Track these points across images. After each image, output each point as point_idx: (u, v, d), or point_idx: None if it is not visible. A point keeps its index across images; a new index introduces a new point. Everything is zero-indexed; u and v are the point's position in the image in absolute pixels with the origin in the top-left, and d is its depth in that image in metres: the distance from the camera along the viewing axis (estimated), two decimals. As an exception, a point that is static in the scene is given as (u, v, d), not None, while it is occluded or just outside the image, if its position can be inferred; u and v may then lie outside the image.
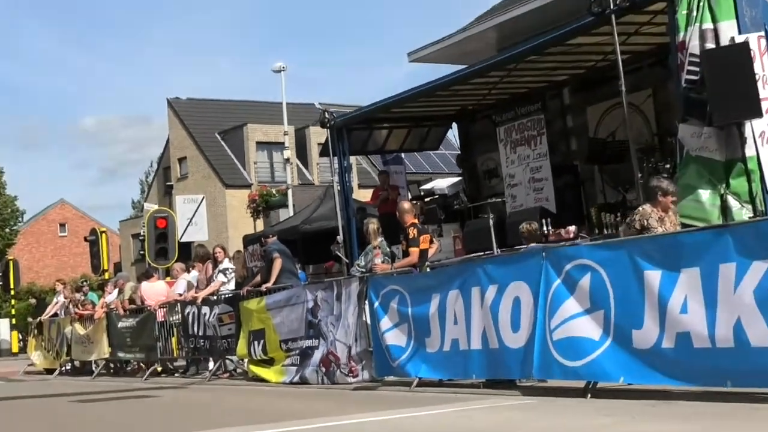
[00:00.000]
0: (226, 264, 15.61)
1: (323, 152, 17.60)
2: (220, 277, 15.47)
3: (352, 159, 34.83)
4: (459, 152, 19.61)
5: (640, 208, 9.02)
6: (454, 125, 18.79)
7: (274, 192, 39.49)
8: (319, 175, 44.69)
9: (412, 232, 11.25)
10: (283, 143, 35.19)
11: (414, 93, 14.64)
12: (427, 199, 19.21)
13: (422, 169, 43.12)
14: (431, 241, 11.72)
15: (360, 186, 40.67)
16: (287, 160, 34.20)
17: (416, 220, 11.72)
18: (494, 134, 17.15)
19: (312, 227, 20.11)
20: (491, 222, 13.81)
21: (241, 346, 14.17)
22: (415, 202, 17.91)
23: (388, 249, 12.16)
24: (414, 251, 11.26)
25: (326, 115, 15.42)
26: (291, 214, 29.44)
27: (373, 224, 11.96)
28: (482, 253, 12.55)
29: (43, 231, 64.42)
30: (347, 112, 16.81)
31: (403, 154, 19.90)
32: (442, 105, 17.31)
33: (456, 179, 19.56)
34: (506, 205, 16.39)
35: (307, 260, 20.48)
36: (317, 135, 42.96)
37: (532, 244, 11.33)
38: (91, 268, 27.27)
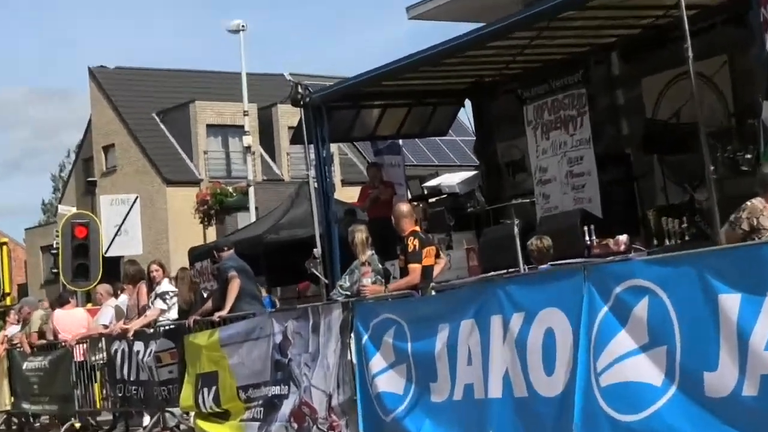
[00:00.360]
0: (166, 286, 15.65)
1: (295, 139, 17.55)
2: (158, 304, 15.51)
3: (334, 147, 35.44)
4: (474, 138, 19.83)
5: (749, 203, 9.08)
6: (468, 103, 18.89)
7: (230, 190, 39.63)
8: (290, 169, 44.91)
9: (413, 244, 11.38)
10: (242, 127, 35.34)
11: (414, 61, 14.64)
12: (432, 200, 19.30)
13: (426, 160, 43.38)
14: (438, 256, 11.83)
15: (344, 183, 40.90)
16: (248, 148, 34.37)
17: (418, 228, 11.85)
18: (520, 114, 17.14)
19: (280, 237, 20.22)
20: (516, 230, 13.86)
21: (186, 395, 14.16)
22: (416, 203, 18.04)
23: (380, 266, 12.24)
24: (415, 268, 11.35)
25: (299, 90, 15.63)
26: (253, 219, 29.57)
27: (360, 233, 12.07)
28: (504, 271, 12.45)
29: (-75, 242, 64.39)
30: (327, 86, 16.93)
31: (400, 141, 19.89)
32: (452, 76, 17.33)
33: (470, 174, 19.83)
34: (536, 208, 16.40)
35: (274, 280, 20.61)
36: (287, 116, 43.12)
37: (544, 266, 11.43)
38: (-13, 292, 27.25)
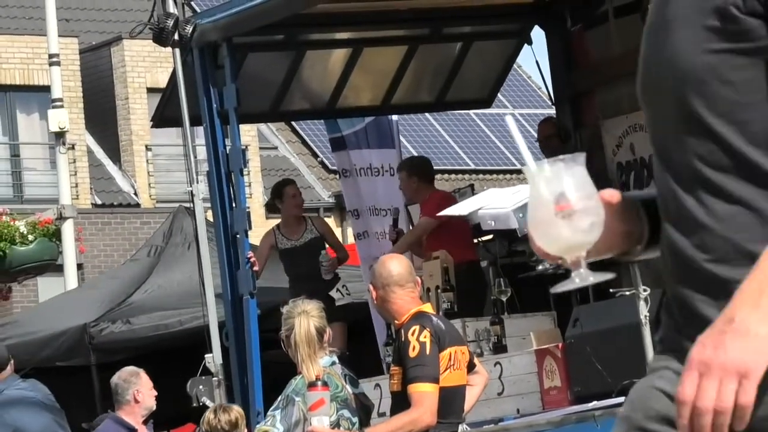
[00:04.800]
0: None
1: (162, 118, 13.95)
2: None
3: (249, 135, 28.05)
4: (550, 111, 15.88)
5: None
6: (537, 34, 14.37)
7: (22, 228, 22.72)
8: (152, 184, 32.74)
9: (416, 342, 8.19)
10: (47, 90, 22.27)
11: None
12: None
13: (449, 160, 33.39)
14: (471, 365, 8.63)
15: (271, 209, 30.73)
16: (60, 137, 20.73)
17: (427, 308, 8.62)
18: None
19: (132, 330, 14.94)
20: (645, 310, 10.24)
21: None
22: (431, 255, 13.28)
23: (349, 390, 8.72)
24: (422, 394, 8.02)
25: (172, 11, 11.72)
26: (71, 285, 19.83)
27: (306, 319, 8.58)
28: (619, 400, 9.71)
29: None
30: (231, 3, 12.25)
31: (394, 119, 14.86)
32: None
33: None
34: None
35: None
36: (145, 69, 32.12)
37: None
38: None
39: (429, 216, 13.04)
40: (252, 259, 12.78)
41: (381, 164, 14.86)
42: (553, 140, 13.72)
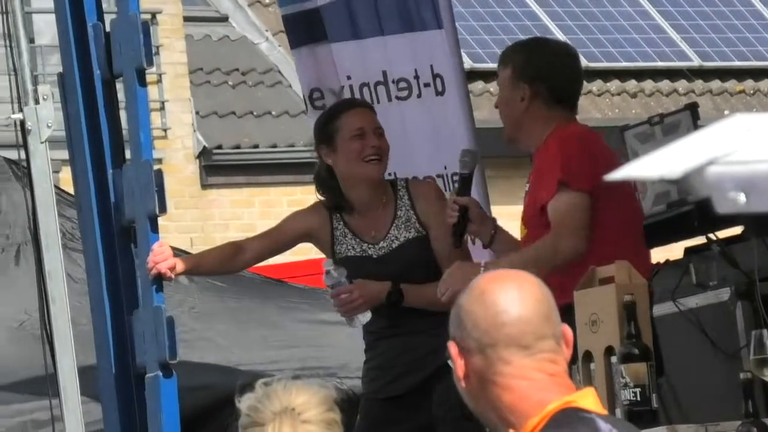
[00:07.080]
0: None
1: None
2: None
3: None
4: None
5: None
6: None
7: None
8: None
9: None
10: None
11: None
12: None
13: (635, 47, 17.83)
14: None
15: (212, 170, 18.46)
16: None
17: (581, 405, 3.25)
18: None
19: None
20: None
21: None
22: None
23: None
24: None
25: None
26: None
27: (289, 424, 4.10)
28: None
29: None
30: None
31: None
32: None
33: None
34: None
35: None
36: None
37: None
38: None
39: (577, 187, 6.41)
40: (165, 272, 6.23)
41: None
42: None
